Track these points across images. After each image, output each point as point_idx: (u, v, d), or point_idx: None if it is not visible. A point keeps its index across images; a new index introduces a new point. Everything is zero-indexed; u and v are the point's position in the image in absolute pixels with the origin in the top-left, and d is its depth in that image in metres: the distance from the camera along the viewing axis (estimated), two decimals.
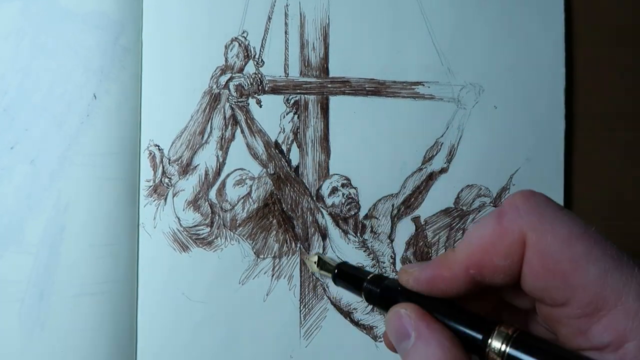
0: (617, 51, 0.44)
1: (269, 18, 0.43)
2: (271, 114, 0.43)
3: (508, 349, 0.27)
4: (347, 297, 0.42)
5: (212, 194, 0.43)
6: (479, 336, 0.28)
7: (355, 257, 0.43)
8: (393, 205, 0.43)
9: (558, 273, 0.26)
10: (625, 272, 0.25)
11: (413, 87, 0.43)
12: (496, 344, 0.28)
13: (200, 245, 0.42)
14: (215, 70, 0.43)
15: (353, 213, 0.43)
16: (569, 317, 0.26)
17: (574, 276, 0.25)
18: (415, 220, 0.43)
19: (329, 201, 0.43)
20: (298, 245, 0.43)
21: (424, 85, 0.43)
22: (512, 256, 0.27)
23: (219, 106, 0.43)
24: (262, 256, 0.42)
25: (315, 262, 0.41)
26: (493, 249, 0.27)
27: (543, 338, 0.28)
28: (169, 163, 0.43)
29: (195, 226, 0.42)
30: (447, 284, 0.29)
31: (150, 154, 0.42)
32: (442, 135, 0.43)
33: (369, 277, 0.36)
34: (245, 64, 0.43)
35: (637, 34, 0.44)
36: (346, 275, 0.39)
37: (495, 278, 0.28)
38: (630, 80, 0.44)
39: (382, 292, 0.34)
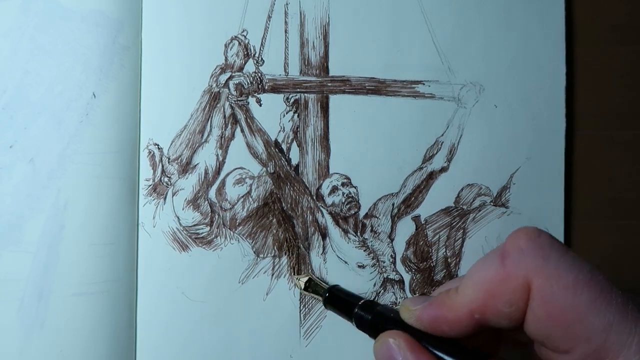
0: (618, 50, 0.44)
1: (269, 17, 0.43)
2: (271, 112, 0.43)
3: None
4: None
5: (212, 193, 0.43)
6: None
7: (355, 256, 0.43)
8: (393, 205, 0.43)
9: (562, 323, 0.25)
10: (629, 324, 0.25)
11: (413, 86, 0.43)
12: None
13: (200, 245, 0.42)
14: (215, 69, 0.43)
15: (353, 212, 0.43)
16: None
17: (578, 327, 0.25)
18: (416, 219, 0.43)
19: (328, 200, 0.43)
20: (298, 244, 0.43)
21: (424, 84, 0.43)
22: (516, 302, 0.26)
23: (218, 105, 0.43)
24: (261, 255, 0.42)
25: (305, 283, 0.41)
26: (497, 294, 0.27)
27: None
28: (169, 162, 0.42)
29: (194, 225, 0.42)
30: (450, 325, 0.28)
31: (150, 152, 0.42)
32: (442, 134, 0.43)
33: (360, 303, 0.35)
34: (245, 63, 0.43)
35: (638, 33, 0.44)
36: (337, 299, 0.39)
37: (500, 322, 0.27)
38: (631, 79, 0.44)
39: (373, 318, 0.34)
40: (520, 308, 0.26)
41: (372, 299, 0.42)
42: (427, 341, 0.30)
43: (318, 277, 0.42)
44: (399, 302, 0.42)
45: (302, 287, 0.41)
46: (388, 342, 0.30)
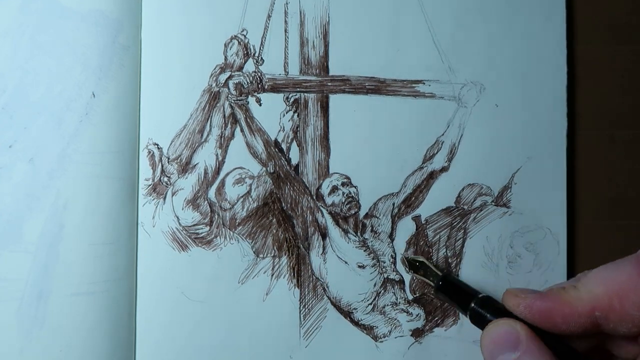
0: (619, 49, 0.44)
1: (269, 16, 0.43)
2: (271, 112, 0.43)
3: None
4: (347, 297, 0.42)
5: (212, 192, 0.43)
6: None
7: (355, 256, 0.42)
8: (393, 204, 0.43)
9: None
10: None
11: (413, 85, 0.43)
12: None
13: (200, 245, 0.42)
14: (214, 69, 0.43)
15: (353, 212, 0.43)
16: None
17: None
18: (416, 219, 0.43)
19: (328, 200, 0.43)
20: (298, 244, 0.43)
21: (424, 83, 0.43)
22: None
23: (218, 104, 0.43)
24: (261, 255, 0.42)
25: (416, 264, 0.41)
26: (628, 297, 0.26)
27: None
28: (168, 162, 0.42)
29: (194, 225, 0.42)
30: (564, 320, 0.28)
31: (150, 152, 0.42)
32: (442, 134, 0.43)
33: (479, 297, 0.36)
34: (245, 62, 0.43)
35: (639, 32, 0.44)
36: (451, 289, 0.39)
37: (621, 326, 0.27)
38: (632, 79, 0.44)
39: (492, 315, 0.34)
40: None
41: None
42: (543, 339, 0.29)
43: (432, 264, 0.41)
44: (399, 302, 0.42)
45: (417, 270, 0.41)
46: (512, 325, 0.30)
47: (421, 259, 0.41)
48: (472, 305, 0.36)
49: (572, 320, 0.28)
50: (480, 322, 0.35)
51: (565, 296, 0.28)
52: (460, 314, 0.41)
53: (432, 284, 0.40)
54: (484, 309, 0.35)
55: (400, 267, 0.43)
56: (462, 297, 0.37)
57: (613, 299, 0.27)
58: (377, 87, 0.43)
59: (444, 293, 0.39)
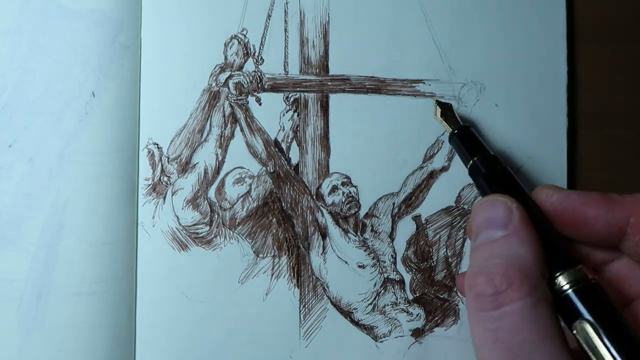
0: (619, 48, 0.44)
1: (269, 16, 0.43)
2: (271, 112, 0.43)
3: (569, 290, 0.27)
4: (347, 297, 0.42)
5: (211, 192, 0.43)
6: (556, 266, 0.28)
7: (355, 256, 0.42)
8: (394, 204, 0.43)
9: None
10: None
11: (414, 85, 0.43)
12: (565, 279, 0.27)
13: (199, 244, 0.42)
14: (214, 68, 0.43)
15: (353, 212, 0.43)
16: None
17: None
18: (416, 219, 0.43)
19: (328, 200, 0.43)
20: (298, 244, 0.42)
21: (424, 83, 0.43)
22: None
23: (218, 104, 0.43)
24: (261, 255, 0.42)
25: (441, 110, 0.41)
26: None
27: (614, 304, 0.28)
28: (168, 161, 0.42)
29: (194, 225, 0.42)
30: (595, 217, 0.28)
31: (149, 152, 0.42)
32: (443, 134, 0.43)
33: (483, 154, 0.36)
34: (245, 62, 0.43)
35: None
36: (464, 139, 0.39)
37: None
38: (632, 79, 0.44)
39: (488, 174, 0.34)
40: None
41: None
42: (536, 222, 0.30)
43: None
44: (399, 302, 0.42)
45: (440, 114, 0.41)
46: (505, 202, 0.30)
47: (449, 104, 0.41)
48: (475, 158, 0.35)
49: (602, 220, 0.28)
50: (476, 177, 0.35)
51: (605, 197, 0.29)
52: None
53: (450, 128, 0.40)
54: (484, 166, 0.35)
55: (401, 267, 0.42)
56: (471, 149, 0.37)
57: None
58: (377, 86, 0.43)
59: (458, 141, 0.39)
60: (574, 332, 0.27)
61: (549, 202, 0.31)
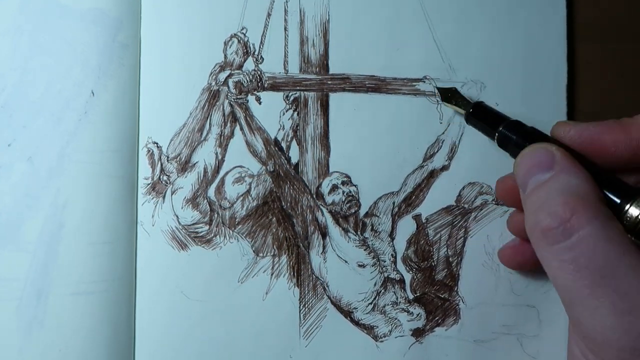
0: (619, 48, 0.44)
1: (269, 14, 0.43)
2: (270, 111, 0.43)
3: None
4: (347, 296, 0.42)
5: (211, 191, 0.42)
6: (617, 200, 0.29)
7: (355, 255, 0.42)
8: (394, 203, 0.43)
9: None
10: None
11: (414, 83, 0.43)
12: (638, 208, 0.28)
13: (199, 244, 0.42)
14: (214, 67, 0.43)
15: (353, 211, 0.43)
16: None
17: None
18: (416, 218, 0.43)
19: (328, 199, 0.43)
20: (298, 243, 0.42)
21: (424, 82, 0.43)
22: None
23: (217, 103, 0.43)
24: (261, 254, 0.42)
25: (448, 95, 0.41)
26: None
27: None
28: (168, 160, 0.42)
29: (193, 224, 0.42)
30: (614, 142, 0.29)
31: (149, 151, 0.42)
32: (443, 133, 0.43)
33: (506, 121, 0.36)
34: (245, 61, 0.43)
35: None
36: (481, 115, 0.39)
37: None
38: (633, 78, 0.44)
39: (518, 138, 0.34)
40: None
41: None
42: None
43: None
44: (400, 302, 0.42)
45: (450, 100, 0.41)
46: (544, 146, 0.30)
47: (453, 88, 0.41)
48: (501, 128, 0.36)
49: (622, 143, 0.29)
50: (507, 145, 0.35)
51: (619, 122, 0.29)
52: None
53: (462, 112, 0.40)
54: (512, 132, 0.35)
55: (401, 266, 0.42)
56: (493, 121, 0.37)
57: None
58: (377, 85, 0.43)
59: (476, 118, 0.39)
60: None
61: (568, 137, 0.31)
